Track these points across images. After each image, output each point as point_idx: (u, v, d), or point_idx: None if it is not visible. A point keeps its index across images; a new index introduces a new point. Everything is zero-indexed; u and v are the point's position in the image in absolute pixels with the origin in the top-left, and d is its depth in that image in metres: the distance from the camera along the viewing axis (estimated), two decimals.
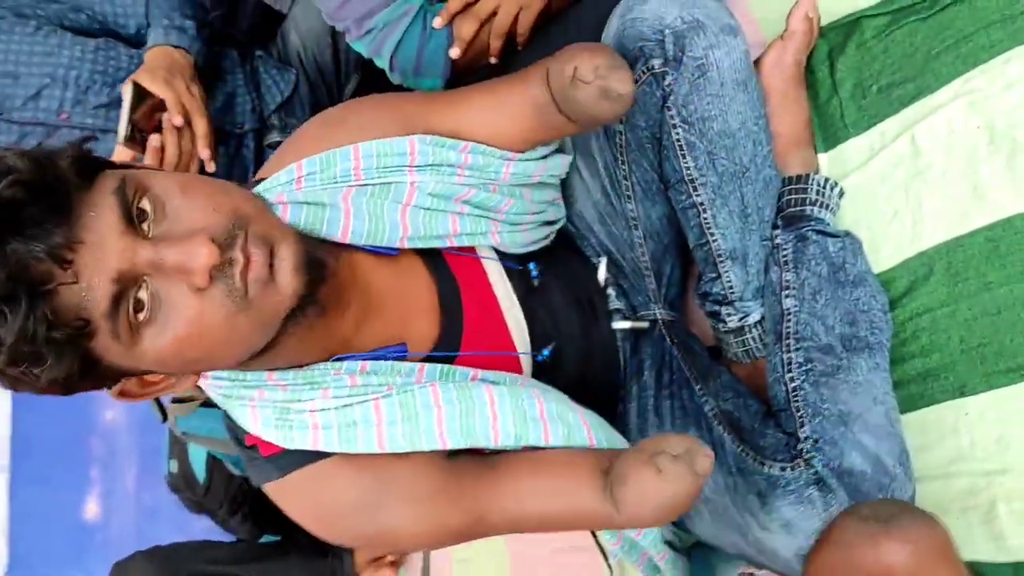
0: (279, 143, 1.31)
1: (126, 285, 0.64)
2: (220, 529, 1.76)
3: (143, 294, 0.65)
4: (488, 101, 0.91)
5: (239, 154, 1.38)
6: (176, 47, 1.26)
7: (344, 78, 1.48)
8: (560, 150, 1.01)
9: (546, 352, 0.97)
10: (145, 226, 0.66)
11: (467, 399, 0.81)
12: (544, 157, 0.97)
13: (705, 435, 0.96)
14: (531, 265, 1.00)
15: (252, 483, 0.84)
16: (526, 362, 0.96)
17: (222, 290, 0.66)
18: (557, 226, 1.06)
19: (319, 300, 0.73)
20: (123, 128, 1.15)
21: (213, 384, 0.80)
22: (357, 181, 0.86)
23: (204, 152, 1.21)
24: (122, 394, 0.73)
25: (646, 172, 1.02)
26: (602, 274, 1.07)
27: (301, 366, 0.80)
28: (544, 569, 1.33)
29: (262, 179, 0.88)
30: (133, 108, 1.15)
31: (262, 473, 0.82)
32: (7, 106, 1.22)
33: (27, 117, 1.23)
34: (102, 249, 0.63)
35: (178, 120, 1.18)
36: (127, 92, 1.16)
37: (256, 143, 1.39)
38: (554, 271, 1.03)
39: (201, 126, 1.21)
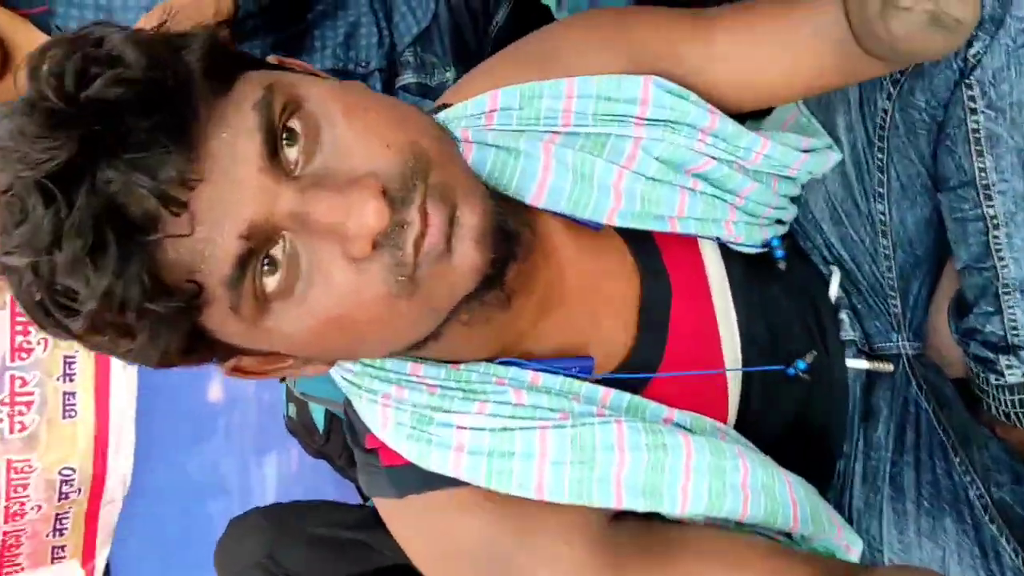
0: (415, 85, 1.09)
1: (259, 242, 0.46)
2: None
3: (278, 252, 0.47)
4: (753, 32, 0.69)
5: None
6: None
7: (493, 5, 1.24)
8: (830, 145, 0.78)
9: (802, 364, 0.74)
10: (292, 155, 0.47)
11: (658, 448, 0.61)
12: (810, 151, 0.74)
13: (969, 532, 0.72)
14: (777, 253, 0.76)
15: (361, 491, 0.66)
16: (734, 388, 0.73)
17: (386, 263, 0.47)
18: (787, 227, 0.81)
19: (505, 284, 0.54)
20: None
21: (339, 365, 0.63)
22: (565, 127, 0.67)
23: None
24: (236, 370, 0.56)
25: (911, 165, 0.75)
26: (834, 290, 0.82)
27: (456, 362, 0.63)
28: None
29: (445, 105, 0.70)
30: None
31: (376, 485, 0.65)
32: None
33: None
34: (233, 189, 0.45)
35: None
36: None
37: (385, 86, 1.17)
38: (781, 285, 0.79)
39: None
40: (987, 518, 0.71)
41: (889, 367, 0.81)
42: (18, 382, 1.29)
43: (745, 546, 0.60)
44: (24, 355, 1.31)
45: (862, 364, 0.80)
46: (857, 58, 0.65)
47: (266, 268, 0.47)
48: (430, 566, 0.63)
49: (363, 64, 1.16)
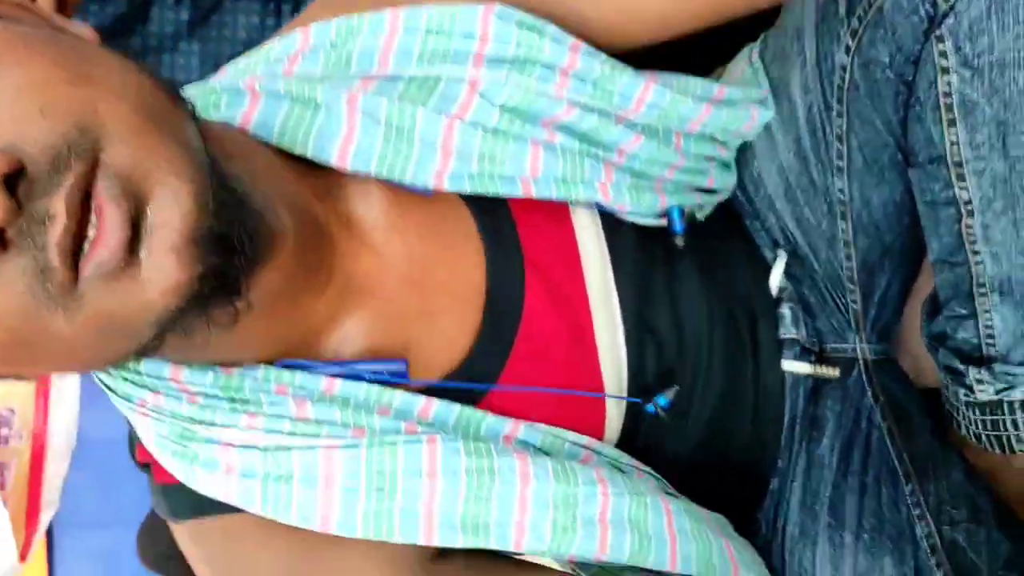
0: None
1: None
2: None
3: None
4: None
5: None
6: None
7: None
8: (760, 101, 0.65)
9: (663, 401, 0.61)
10: None
11: (483, 473, 0.51)
12: (722, 103, 0.62)
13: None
14: (676, 227, 0.64)
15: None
16: (615, 412, 0.61)
17: (24, 267, 0.37)
18: (719, 198, 0.69)
19: (238, 295, 0.43)
20: None
21: None
22: (382, 70, 0.56)
23: None
24: None
25: (877, 135, 0.62)
26: (776, 279, 0.70)
27: (230, 365, 0.52)
28: None
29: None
30: None
31: (155, 503, 0.56)
32: None
33: None
34: None
35: None
36: None
37: None
38: (699, 269, 0.67)
39: None
40: (933, 562, 0.60)
41: (834, 373, 0.69)
42: None
43: None
44: None
45: (800, 368, 0.68)
46: None
47: None
48: None
49: None
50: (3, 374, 0.44)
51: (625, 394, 0.61)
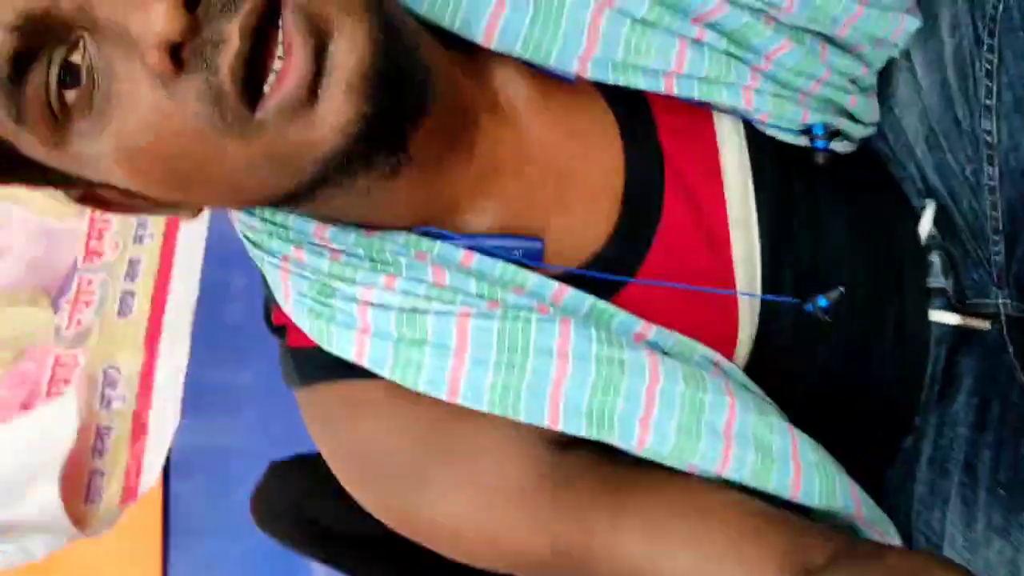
0: None
1: (40, 39, 0.39)
2: None
3: (77, 58, 0.39)
4: None
5: None
6: None
7: None
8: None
9: (823, 302, 0.58)
10: None
11: (613, 363, 0.49)
12: (873, 4, 0.59)
13: None
14: (818, 142, 0.61)
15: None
16: (747, 331, 0.59)
17: (198, 89, 0.39)
18: (860, 131, 0.66)
19: (402, 148, 0.45)
20: None
21: (242, 220, 0.54)
22: None
23: None
24: (88, 200, 0.48)
25: None
26: (925, 226, 0.67)
27: (372, 227, 0.52)
28: None
29: None
30: None
31: (285, 370, 0.56)
32: None
33: None
34: None
35: None
36: None
37: None
38: (843, 200, 0.64)
39: None
40: None
41: (985, 325, 0.65)
42: (85, 282, 1.30)
43: (717, 497, 0.48)
44: (96, 258, 1.32)
45: (951, 319, 0.65)
46: None
47: (63, 74, 0.39)
48: (336, 466, 0.54)
49: None
50: (166, 200, 0.47)
51: (756, 317, 0.58)
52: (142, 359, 1.28)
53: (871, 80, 0.64)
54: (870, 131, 0.66)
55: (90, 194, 0.48)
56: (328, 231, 0.52)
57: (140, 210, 0.49)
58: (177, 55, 0.38)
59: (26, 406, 1.26)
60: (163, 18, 0.36)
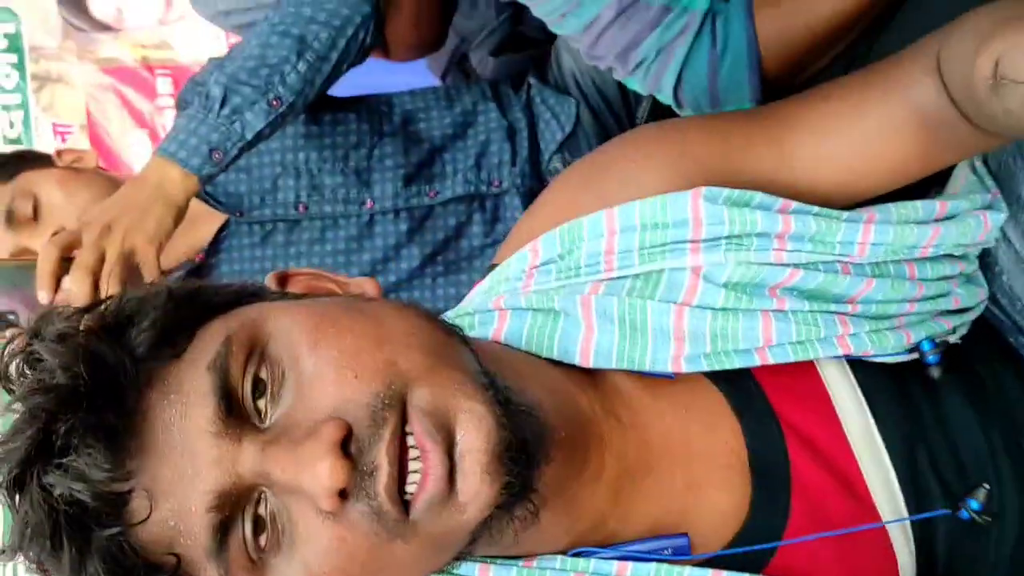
0: None
1: (233, 507, 0.45)
2: None
3: (263, 510, 0.46)
4: (834, 119, 0.59)
5: (497, 218, 1.10)
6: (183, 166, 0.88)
7: (634, 100, 1.15)
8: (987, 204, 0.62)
9: (975, 504, 0.56)
10: (262, 405, 0.46)
11: None
12: (948, 218, 0.59)
13: None
14: (928, 359, 0.59)
15: None
16: (901, 543, 0.57)
17: (363, 512, 0.44)
18: (971, 315, 0.63)
19: (531, 494, 0.47)
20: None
21: None
22: (607, 273, 0.58)
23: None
24: None
25: None
26: None
27: (530, 556, 0.55)
28: None
29: (493, 266, 0.64)
30: None
31: None
32: (247, 205, 1.06)
33: (267, 215, 1.07)
34: (188, 461, 0.44)
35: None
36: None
37: (525, 202, 1.10)
38: (962, 388, 0.61)
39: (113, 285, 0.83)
40: None
41: None
42: None
43: None
44: None
45: None
46: (957, 134, 0.55)
47: (254, 528, 0.45)
48: None
49: (496, 183, 1.11)
50: None
51: (911, 542, 0.56)
52: None
53: (971, 269, 0.62)
54: (980, 309, 0.63)
55: None
56: (491, 570, 0.54)
57: None
58: (343, 493, 0.43)
59: None
60: (329, 474, 0.42)
